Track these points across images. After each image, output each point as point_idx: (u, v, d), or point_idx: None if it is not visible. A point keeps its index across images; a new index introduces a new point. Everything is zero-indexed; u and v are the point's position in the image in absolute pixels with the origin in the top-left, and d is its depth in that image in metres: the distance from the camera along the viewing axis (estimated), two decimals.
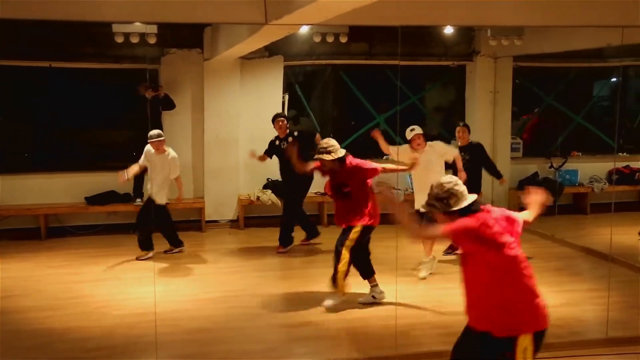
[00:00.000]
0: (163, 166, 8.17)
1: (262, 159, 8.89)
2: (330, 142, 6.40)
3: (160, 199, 8.15)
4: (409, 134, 7.50)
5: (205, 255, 8.79)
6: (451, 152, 7.83)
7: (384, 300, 6.59)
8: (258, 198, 10.07)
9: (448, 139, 11.32)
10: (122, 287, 7.32)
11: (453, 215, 3.73)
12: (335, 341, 5.79)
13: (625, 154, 11.47)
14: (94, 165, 10.22)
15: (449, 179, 3.86)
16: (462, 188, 3.82)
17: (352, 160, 6.45)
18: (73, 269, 8.01)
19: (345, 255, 6.30)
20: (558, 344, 5.66)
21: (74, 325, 6.12)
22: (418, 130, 7.49)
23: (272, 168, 10.37)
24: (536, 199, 4.21)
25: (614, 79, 12.45)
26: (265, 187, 10.23)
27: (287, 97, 10.44)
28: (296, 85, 10.79)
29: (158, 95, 9.55)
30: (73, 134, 10.47)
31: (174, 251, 8.57)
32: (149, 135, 8.13)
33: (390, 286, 6.47)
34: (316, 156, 6.43)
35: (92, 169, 10.08)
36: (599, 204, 10.76)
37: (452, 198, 3.75)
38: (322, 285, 6.72)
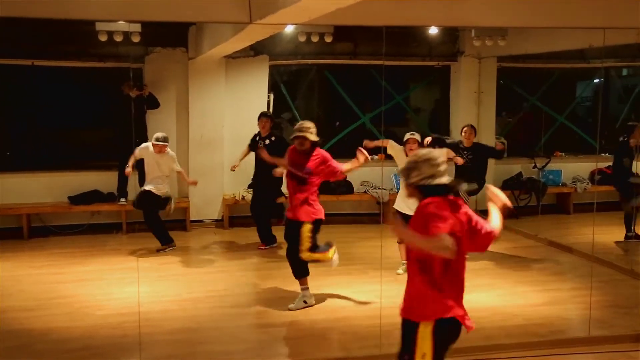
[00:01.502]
0: (160, 164, 8.45)
1: (244, 154, 9.12)
2: (310, 123, 6.45)
3: (159, 191, 8.48)
4: (407, 136, 7.60)
5: (190, 255, 8.77)
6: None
7: (372, 299, 6.56)
8: (243, 197, 10.05)
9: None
10: (105, 287, 7.27)
11: (412, 188, 3.66)
12: (320, 341, 5.80)
13: (607, 154, 11.56)
14: (77, 164, 10.14)
15: (425, 151, 3.74)
16: (434, 165, 3.62)
17: (320, 150, 6.49)
18: (56, 268, 7.95)
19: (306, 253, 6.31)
20: (540, 342, 5.72)
21: (56, 325, 6.07)
22: (416, 136, 7.58)
23: None
24: (497, 201, 3.98)
25: (596, 80, 12.57)
26: (250, 186, 10.18)
27: (272, 96, 10.42)
28: (281, 84, 10.78)
29: (142, 94, 9.50)
30: (56, 133, 10.38)
31: (165, 250, 8.60)
32: (155, 137, 8.39)
33: (375, 286, 6.48)
34: (298, 134, 6.33)
35: (76, 168, 10.01)
36: (581, 204, 10.86)
37: (413, 170, 3.64)
38: (316, 284, 6.73)
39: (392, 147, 7.67)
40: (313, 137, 6.35)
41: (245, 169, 10.05)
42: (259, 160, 8.49)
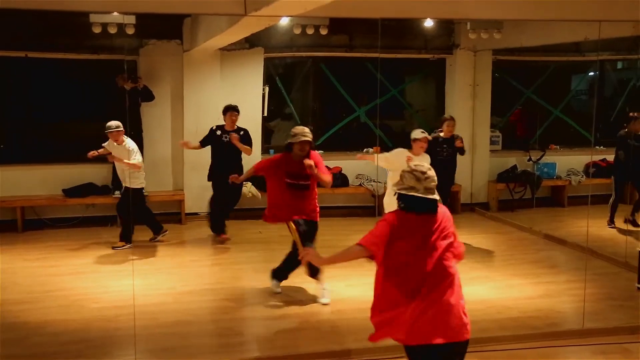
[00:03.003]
0: (122, 156, 8.21)
1: (194, 147, 8.88)
2: (307, 129, 6.31)
3: (133, 184, 8.24)
4: (418, 134, 7.39)
5: (185, 248, 8.76)
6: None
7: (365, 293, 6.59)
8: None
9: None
10: (100, 280, 7.26)
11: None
12: (315, 334, 5.80)
13: (602, 147, 11.59)
14: (72, 157, 10.08)
15: (416, 165, 3.78)
16: (419, 179, 3.67)
17: (313, 152, 6.37)
18: (51, 261, 7.93)
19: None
20: (535, 334, 5.74)
21: (51, 318, 6.06)
22: (426, 134, 7.47)
23: (252, 161, 10.34)
24: None
25: (591, 73, 12.58)
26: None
27: (267, 89, 10.40)
28: (276, 77, 10.75)
29: (137, 87, 9.46)
30: (50, 125, 10.32)
31: (157, 238, 8.60)
32: (107, 126, 8.17)
33: (370, 278, 6.47)
34: (303, 138, 6.13)
35: (70, 161, 9.96)
36: (576, 197, 10.90)
37: (400, 179, 3.72)
38: (302, 278, 6.72)
39: (385, 159, 7.34)
40: (310, 140, 6.22)
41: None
42: (224, 153, 8.54)
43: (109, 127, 8.15)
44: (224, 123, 8.79)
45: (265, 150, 10.56)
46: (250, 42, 10.02)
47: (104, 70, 9.90)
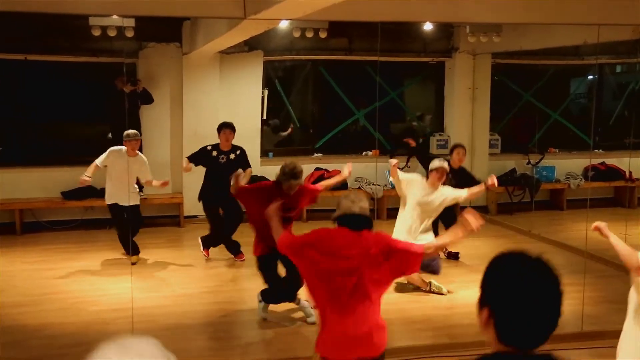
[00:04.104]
0: (132, 169, 7.65)
1: (186, 169, 7.97)
2: (299, 168, 5.90)
3: (135, 200, 7.88)
4: (434, 164, 6.73)
5: (184, 251, 8.75)
6: (455, 198, 6.92)
7: None
8: None
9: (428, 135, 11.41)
10: (98, 283, 7.25)
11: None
12: (313, 337, 5.78)
13: (601, 150, 11.61)
14: (71, 159, 10.07)
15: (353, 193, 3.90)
16: (353, 201, 3.79)
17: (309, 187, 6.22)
18: (49, 264, 7.92)
19: None
20: None
21: (49, 321, 6.05)
22: (446, 165, 6.80)
23: (251, 163, 10.33)
24: (466, 226, 3.85)
25: (590, 77, 12.60)
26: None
27: (266, 92, 10.40)
28: (276, 80, 10.76)
29: (136, 90, 9.46)
30: (49, 128, 10.32)
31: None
32: (126, 134, 7.68)
33: None
34: (294, 181, 5.81)
35: (69, 163, 9.94)
36: (575, 200, 10.89)
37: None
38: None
39: (398, 183, 6.76)
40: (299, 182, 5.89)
41: None
42: (221, 178, 7.22)
43: (128, 135, 7.65)
44: (218, 142, 7.98)
45: (264, 154, 10.56)
46: (250, 45, 10.02)
47: (103, 72, 9.90)
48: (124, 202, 7.66)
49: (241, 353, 5.49)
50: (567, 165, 11.48)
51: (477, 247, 8.23)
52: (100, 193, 9.61)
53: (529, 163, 11.23)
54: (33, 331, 5.83)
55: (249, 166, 8.01)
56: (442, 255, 8.02)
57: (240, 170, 6.29)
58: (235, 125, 10.09)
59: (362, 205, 3.71)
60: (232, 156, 7.91)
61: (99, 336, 5.82)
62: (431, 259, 6.50)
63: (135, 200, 7.87)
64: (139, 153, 7.96)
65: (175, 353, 5.44)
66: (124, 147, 7.76)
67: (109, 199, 7.84)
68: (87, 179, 7.75)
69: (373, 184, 10.35)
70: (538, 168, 11.17)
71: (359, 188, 10.54)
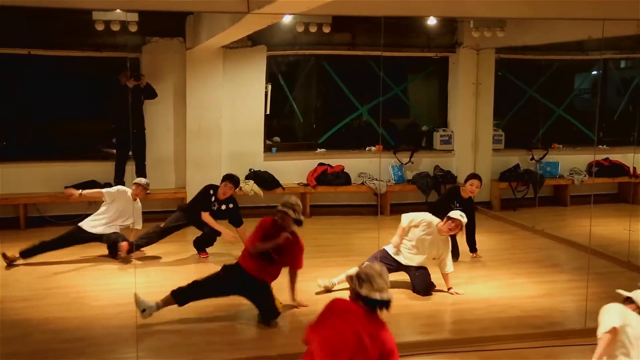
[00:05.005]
0: (126, 211, 7.81)
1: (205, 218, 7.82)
2: (298, 205, 5.92)
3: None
4: (455, 214, 6.57)
5: (187, 246, 8.73)
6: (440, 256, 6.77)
7: None
8: (240, 188, 10.01)
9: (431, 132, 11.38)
10: (102, 277, 7.26)
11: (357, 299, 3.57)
12: None
13: (605, 146, 11.58)
14: (74, 154, 10.09)
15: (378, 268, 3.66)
16: (377, 279, 3.56)
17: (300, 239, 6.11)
18: (52, 259, 7.88)
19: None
20: (537, 334, 5.73)
21: (52, 315, 6.06)
22: (464, 219, 6.58)
23: (254, 158, 10.36)
24: None
25: (594, 72, 12.55)
26: (248, 177, 10.19)
27: (270, 87, 10.39)
28: (279, 75, 10.74)
29: (140, 84, 9.45)
30: (52, 123, 10.31)
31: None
32: (138, 180, 7.89)
33: None
34: (294, 216, 5.86)
35: (72, 158, 9.97)
36: (579, 196, 10.88)
37: (365, 282, 3.55)
38: (314, 275, 6.74)
39: (406, 222, 6.69)
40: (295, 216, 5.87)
41: (243, 160, 10.11)
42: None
43: (140, 182, 7.87)
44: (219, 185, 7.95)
45: (267, 149, 10.56)
46: (253, 40, 10.01)
47: (106, 67, 9.88)
48: (99, 232, 7.72)
49: (243, 348, 5.48)
50: (571, 161, 11.45)
51: (481, 243, 8.22)
52: (103, 188, 9.65)
53: (532, 159, 11.20)
54: (36, 325, 5.83)
55: (241, 222, 7.90)
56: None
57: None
58: (238, 120, 10.19)
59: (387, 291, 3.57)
60: (223, 207, 7.88)
61: (103, 331, 5.88)
62: (426, 278, 6.66)
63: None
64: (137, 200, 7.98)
65: (180, 348, 5.46)
66: (129, 190, 7.89)
67: (89, 228, 7.73)
68: (74, 192, 8.04)
69: (376, 180, 10.33)
70: (542, 164, 11.15)
71: (362, 183, 10.54)
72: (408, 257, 6.69)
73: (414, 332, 5.90)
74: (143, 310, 5.68)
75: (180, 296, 5.86)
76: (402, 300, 6.43)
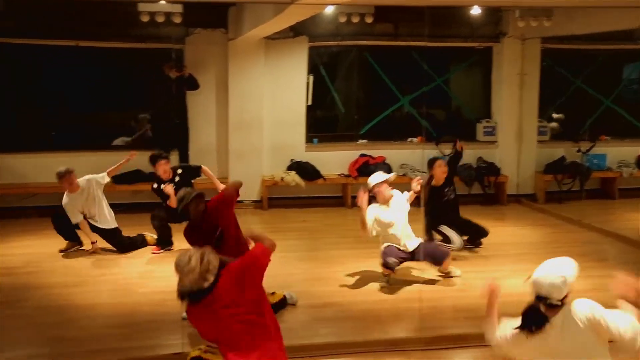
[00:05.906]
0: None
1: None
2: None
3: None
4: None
5: None
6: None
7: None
8: (282, 179, 10.07)
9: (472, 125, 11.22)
10: (147, 265, 7.39)
11: None
12: (359, 323, 5.78)
13: None
14: (120, 144, 10.27)
15: None
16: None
17: None
18: (99, 246, 8.08)
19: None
20: None
21: (99, 301, 6.20)
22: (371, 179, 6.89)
23: (296, 149, 10.38)
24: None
25: None
26: (290, 168, 10.23)
27: (311, 78, 10.39)
28: (321, 66, 10.72)
29: (182, 75, 9.55)
30: (98, 114, 10.51)
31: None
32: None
33: (412, 269, 6.44)
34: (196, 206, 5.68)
35: (118, 148, 10.14)
36: (627, 189, 10.64)
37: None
38: (346, 267, 6.73)
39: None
40: None
41: (284, 150, 10.14)
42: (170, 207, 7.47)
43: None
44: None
45: (309, 140, 10.56)
46: (295, 30, 10.02)
47: (150, 58, 10.01)
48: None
49: (286, 337, 5.49)
50: (619, 153, 11.18)
51: (523, 236, 8.11)
52: (147, 177, 9.80)
53: (579, 151, 10.97)
54: (84, 311, 5.97)
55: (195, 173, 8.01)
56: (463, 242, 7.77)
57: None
58: (280, 111, 10.21)
59: None
60: (176, 179, 7.83)
61: (149, 317, 5.95)
62: (434, 248, 6.64)
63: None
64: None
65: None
66: None
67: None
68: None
69: (418, 171, 10.24)
70: (588, 156, 10.91)
71: (404, 175, 10.46)
72: (407, 236, 6.59)
73: (457, 324, 5.84)
74: None
75: None
76: (441, 293, 6.40)
